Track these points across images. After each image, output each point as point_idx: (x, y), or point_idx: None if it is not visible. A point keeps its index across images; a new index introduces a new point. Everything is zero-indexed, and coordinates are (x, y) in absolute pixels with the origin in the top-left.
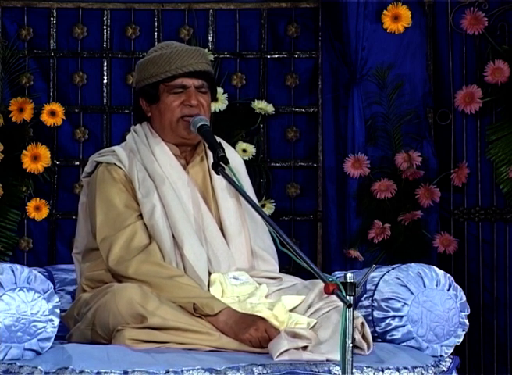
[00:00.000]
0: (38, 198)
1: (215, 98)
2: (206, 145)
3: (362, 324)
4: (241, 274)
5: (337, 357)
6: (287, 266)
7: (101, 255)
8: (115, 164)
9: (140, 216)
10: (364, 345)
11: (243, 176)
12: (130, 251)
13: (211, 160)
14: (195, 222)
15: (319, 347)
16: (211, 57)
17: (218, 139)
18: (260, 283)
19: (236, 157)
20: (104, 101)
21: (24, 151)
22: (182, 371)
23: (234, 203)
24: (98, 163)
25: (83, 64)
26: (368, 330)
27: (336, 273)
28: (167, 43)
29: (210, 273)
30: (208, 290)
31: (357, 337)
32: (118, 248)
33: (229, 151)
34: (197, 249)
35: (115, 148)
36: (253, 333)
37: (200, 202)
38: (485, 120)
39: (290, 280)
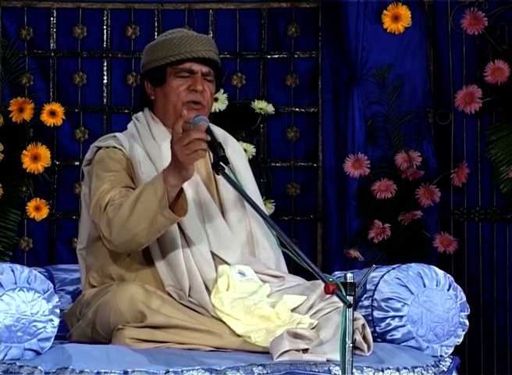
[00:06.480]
0: (38, 198)
1: (219, 89)
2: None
3: (363, 325)
4: (247, 269)
5: (338, 357)
6: (287, 266)
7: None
8: (114, 147)
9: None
10: (365, 346)
11: (246, 169)
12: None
13: None
14: (196, 205)
15: (321, 347)
16: None
17: (222, 131)
18: (263, 281)
19: (239, 148)
20: (104, 101)
21: (24, 151)
22: (182, 371)
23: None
24: (99, 148)
25: (83, 64)
26: (368, 332)
27: (336, 273)
28: (177, 29)
29: (213, 254)
30: (216, 281)
31: (358, 338)
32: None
33: (233, 145)
34: (199, 232)
35: (117, 133)
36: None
37: (201, 186)
38: (485, 120)
39: (293, 280)
